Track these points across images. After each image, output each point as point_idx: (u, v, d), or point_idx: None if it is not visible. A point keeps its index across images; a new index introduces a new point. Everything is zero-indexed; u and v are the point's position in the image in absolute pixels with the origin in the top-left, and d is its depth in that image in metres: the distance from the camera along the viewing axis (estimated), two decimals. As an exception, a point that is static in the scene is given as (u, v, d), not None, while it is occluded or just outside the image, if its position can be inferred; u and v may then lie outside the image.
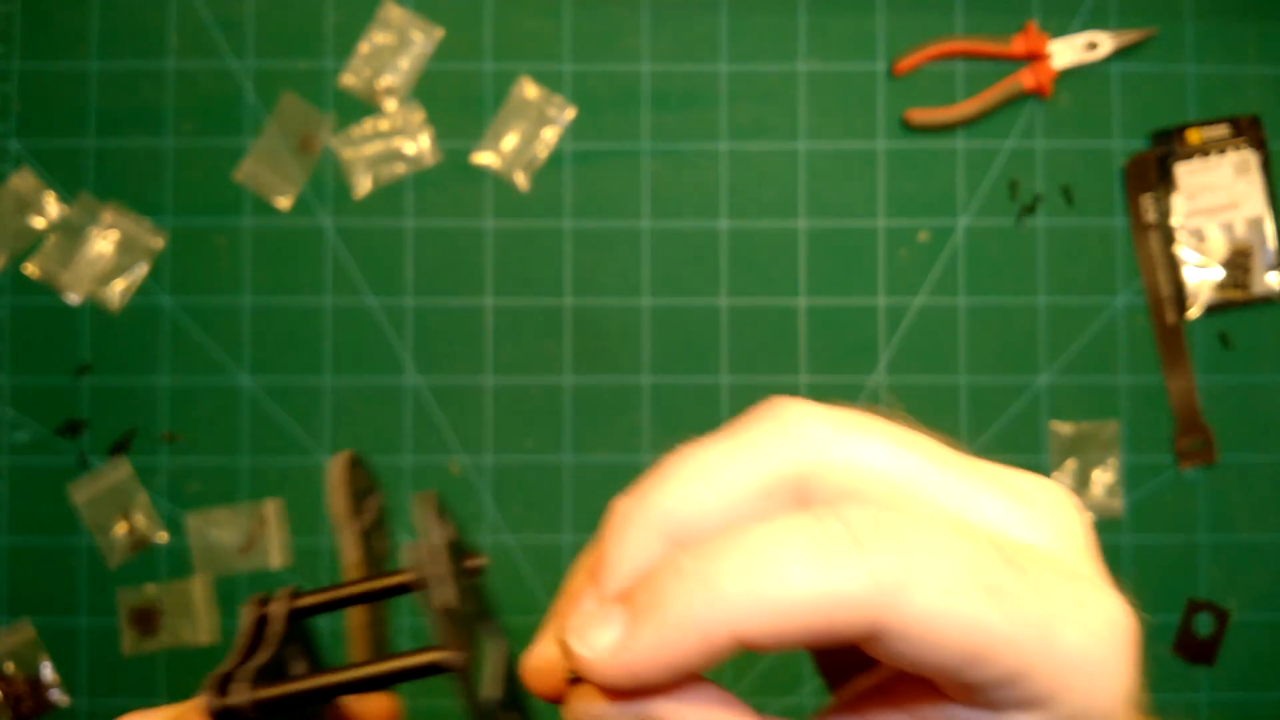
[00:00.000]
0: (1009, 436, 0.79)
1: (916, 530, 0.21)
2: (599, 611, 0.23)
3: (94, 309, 0.79)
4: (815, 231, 0.79)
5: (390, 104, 0.79)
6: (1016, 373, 0.79)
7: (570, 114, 0.80)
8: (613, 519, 0.24)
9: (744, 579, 0.21)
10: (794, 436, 0.23)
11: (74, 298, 0.79)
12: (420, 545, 0.28)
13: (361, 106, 0.80)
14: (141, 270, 0.79)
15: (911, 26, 0.80)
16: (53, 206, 0.79)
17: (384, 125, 0.79)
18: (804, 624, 0.21)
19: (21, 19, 0.79)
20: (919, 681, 0.23)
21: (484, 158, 0.79)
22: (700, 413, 0.78)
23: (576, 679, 0.24)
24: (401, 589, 0.30)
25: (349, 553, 0.32)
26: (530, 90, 0.79)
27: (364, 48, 0.80)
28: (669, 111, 0.80)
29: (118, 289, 0.79)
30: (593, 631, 0.22)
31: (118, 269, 0.79)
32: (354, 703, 0.32)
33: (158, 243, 0.79)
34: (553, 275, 0.79)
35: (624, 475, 0.78)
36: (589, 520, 0.78)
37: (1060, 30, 0.79)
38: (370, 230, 0.79)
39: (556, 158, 0.79)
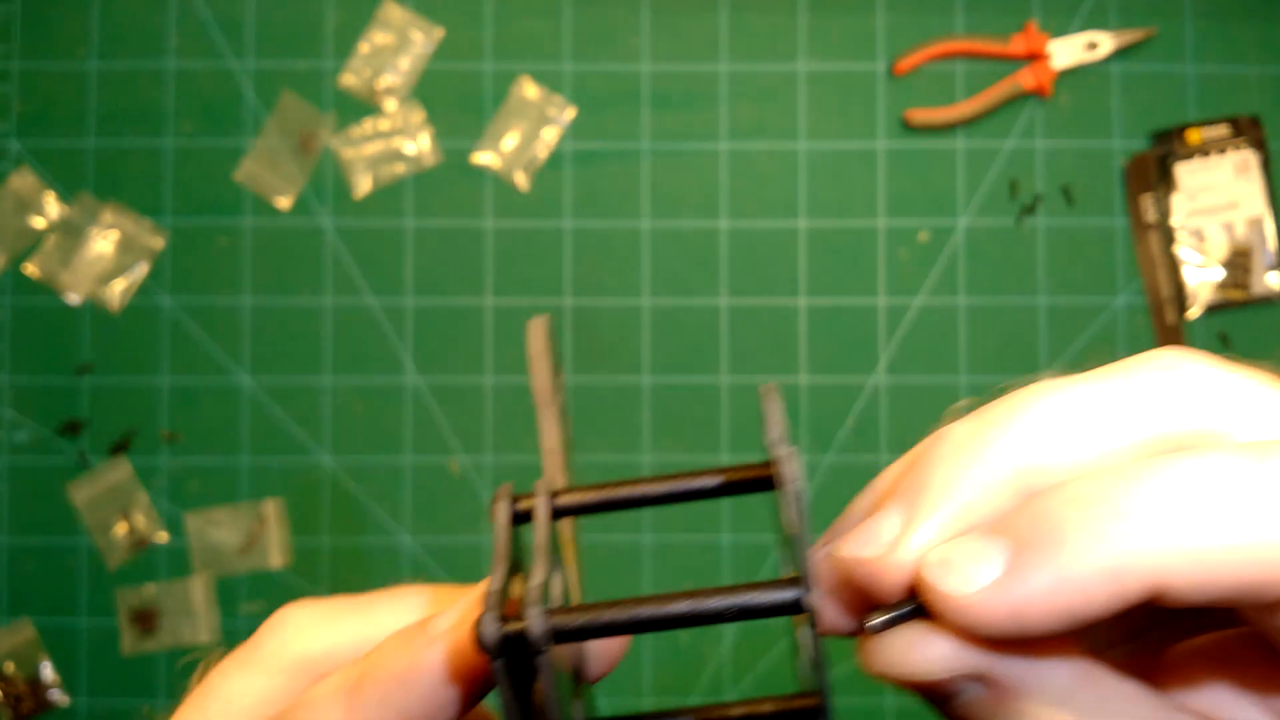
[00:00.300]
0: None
1: None
2: (975, 544, 0.20)
3: (94, 309, 0.79)
4: (815, 231, 0.79)
5: (390, 104, 0.79)
6: (1016, 373, 0.79)
7: (570, 114, 0.80)
8: (947, 444, 0.21)
9: (1174, 517, 0.18)
10: (1186, 387, 0.21)
11: (74, 298, 0.79)
12: (783, 438, 0.23)
13: (361, 106, 0.80)
14: (141, 270, 0.79)
15: (911, 26, 0.80)
16: (53, 206, 0.79)
17: (384, 125, 0.79)
18: (1239, 577, 0.18)
19: (21, 19, 0.79)
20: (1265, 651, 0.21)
21: (484, 158, 0.79)
22: (700, 413, 0.78)
23: (892, 617, 0.21)
24: (754, 485, 0.25)
25: (551, 436, 0.27)
26: (530, 90, 0.79)
27: (364, 48, 0.80)
28: (669, 111, 0.80)
29: (118, 289, 0.79)
30: (968, 565, 0.20)
31: (118, 269, 0.79)
32: None
33: (158, 243, 0.79)
34: (553, 275, 0.79)
35: (624, 474, 0.77)
36: (588, 520, 0.78)
37: (1060, 30, 0.79)
38: (370, 230, 0.79)
39: (556, 158, 0.79)
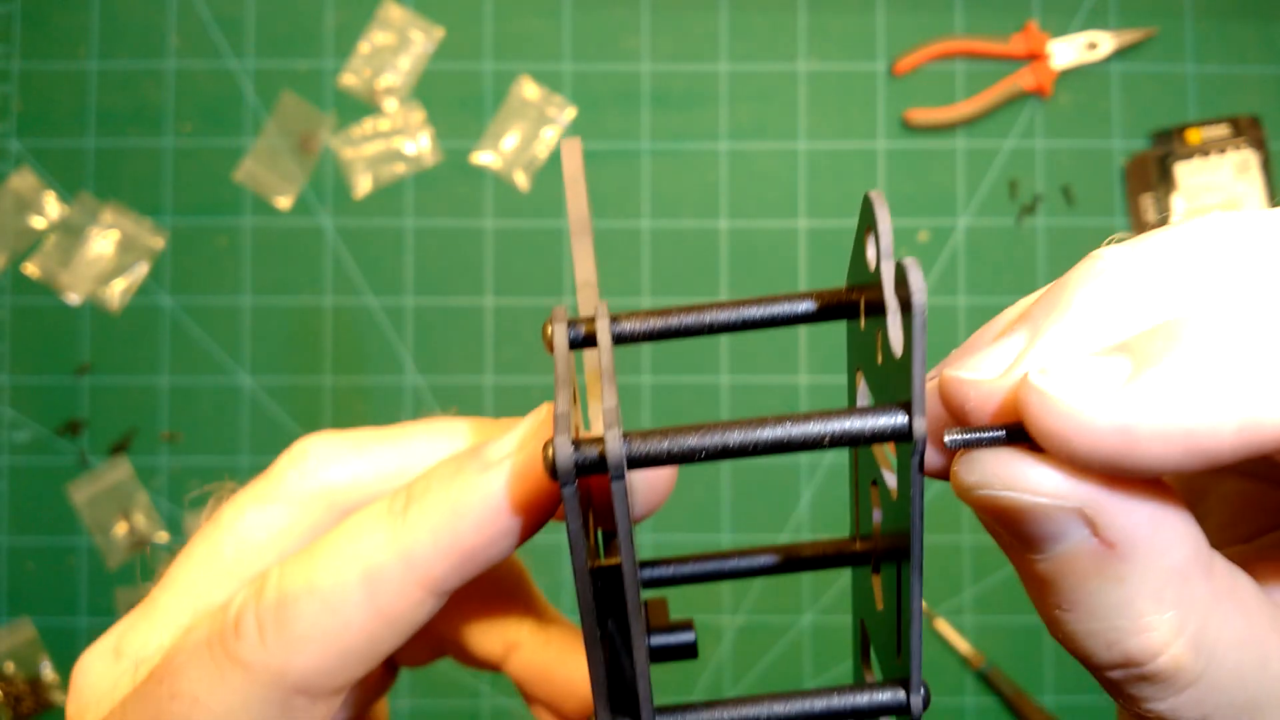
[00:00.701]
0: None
1: None
2: (1095, 358, 0.18)
3: (94, 309, 0.79)
4: (815, 231, 0.79)
5: (390, 104, 0.79)
6: (1016, 373, 0.79)
7: (570, 114, 0.80)
8: (1092, 265, 0.19)
9: None
10: None
11: (74, 298, 0.79)
12: (886, 250, 0.20)
13: (361, 106, 0.80)
14: (141, 270, 0.79)
15: (911, 26, 0.80)
16: (53, 206, 0.79)
17: (384, 125, 0.79)
18: None
19: (21, 19, 0.79)
20: None
21: (484, 158, 0.79)
22: (700, 413, 0.78)
23: (985, 435, 0.18)
24: (846, 310, 0.22)
25: (586, 266, 0.24)
26: (530, 90, 0.79)
27: (364, 48, 0.80)
28: (669, 111, 0.80)
29: (118, 289, 0.79)
30: (1081, 375, 0.17)
31: (118, 269, 0.79)
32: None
33: (158, 243, 0.79)
34: (553, 275, 0.79)
35: (624, 475, 0.77)
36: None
37: (1060, 30, 0.79)
38: (370, 230, 0.79)
39: (557, 158, 0.79)
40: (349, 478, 0.26)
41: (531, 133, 0.79)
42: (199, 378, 0.78)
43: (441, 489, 0.23)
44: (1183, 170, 0.79)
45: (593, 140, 0.80)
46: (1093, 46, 0.79)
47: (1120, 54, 0.79)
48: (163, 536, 0.78)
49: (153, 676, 0.24)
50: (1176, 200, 0.79)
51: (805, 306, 0.23)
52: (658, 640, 0.26)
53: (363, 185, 0.79)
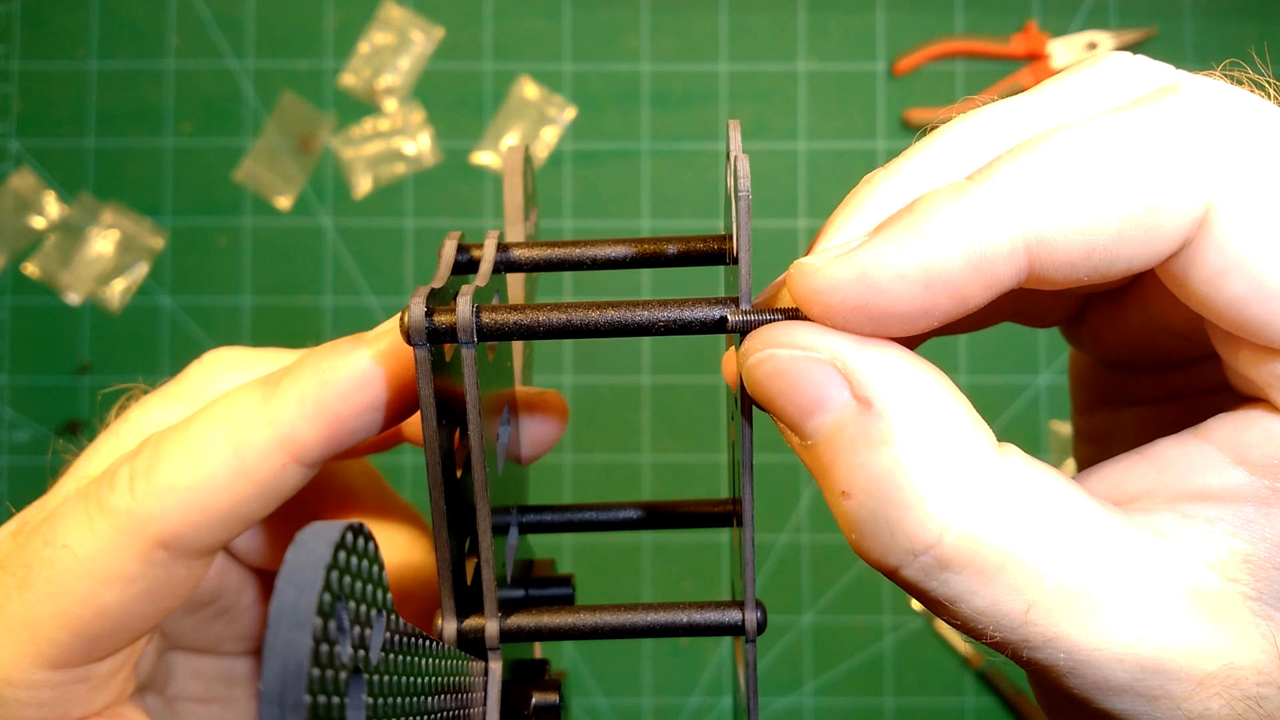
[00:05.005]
0: (1009, 436, 0.78)
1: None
2: (841, 239, 0.20)
3: (94, 309, 0.79)
4: (815, 231, 0.79)
5: (390, 104, 0.79)
6: (1016, 373, 0.79)
7: (570, 114, 0.80)
8: (860, 184, 0.22)
9: (1042, 185, 0.18)
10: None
11: (74, 298, 0.79)
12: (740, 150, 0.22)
13: (361, 106, 0.80)
14: (141, 270, 0.79)
15: (911, 26, 0.80)
16: (53, 206, 0.79)
17: (384, 125, 0.79)
18: (1118, 233, 0.18)
19: (21, 19, 0.79)
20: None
21: (484, 158, 0.79)
22: (700, 413, 0.78)
23: (762, 316, 0.21)
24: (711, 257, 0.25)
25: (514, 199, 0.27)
26: (530, 90, 0.79)
27: (364, 48, 0.80)
28: (669, 111, 0.80)
29: (118, 289, 0.79)
30: (831, 249, 0.20)
31: (118, 269, 0.79)
32: (529, 394, 0.30)
33: (158, 243, 0.79)
34: (553, 275, 0.79)
35: (624, 474, 0.77)
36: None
37: (1060, 30, 0.79)
38: (370, 230, 0.79)
39: (556, 158, 0.79)
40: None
41: (531, 133, 0.79)
42: (199, 378, 0.78)
43: (314, 362, 0.25)
44: (1183, 170, 0.79)
45: (593, 140, 0.80)
46: (1092, 46, 0.79)
47: (1120, 54, 0.79)
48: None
49: (33, 530, 0.25)
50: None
51: (672, 249, 0.26)
52: (536, 591, 0.29)
53: (363, 185, 0.79)
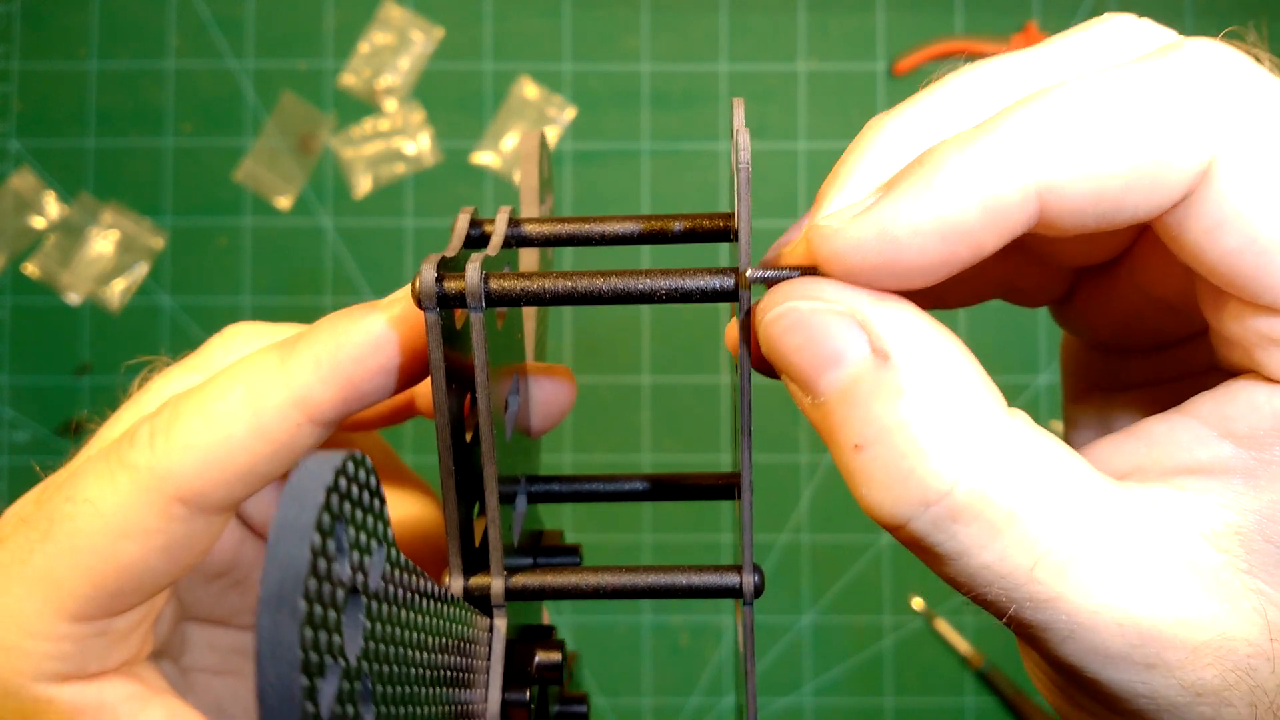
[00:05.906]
0: (1009, 436, 0.79)
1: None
2: (857, 196, 0.20)
3: (94, 309, 0.79)
4: (815, 231, 0.79)
5: (390, 104, 0.79)
6: (1016, 373, 0.79)
7: (570, 114, 0.80)
8: (864, 131, 0.22)
9: (1049, 134, 0.18)
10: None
11: (74, 298, 0.79)
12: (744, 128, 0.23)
13: (361, 106, 0.80)
14: (141, 270, 0.79)
15: (911, 26, 0.80)
16: (53, 206, 0.79)
17: (384, 125, 0.79)
18: (1126, 183, 0.18)
19: (21, 19, 0.79)
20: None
21: (484, 158, 0.79)
22: (700, 413, 0.78)
23: (778, 273, 0.21)
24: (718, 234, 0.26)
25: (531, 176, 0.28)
26: (530, 90, 0.80)
27: (364, 48, 0.80)
28: (669, 111, 0.80)
29: (118, 289, 0.79)
30: (845, 208, 0.20)
31: (118, 269, 0.79)
32: (539, 368, 0.31)
33: (158, 243, 0.79)
34: (560, 259, 0.79)
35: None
36: (590, 520, 0.78)
37: (1060, 30, 0.79)
38: (370, 230, 0.79)
39: (556, 158, 0.79)
40: None
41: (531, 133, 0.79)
42: (199, 378, 0.78)
43: (329, 326, 0.25)
44: (1183, 170, 0.79)
45: (593, 140, 0.80)
46: (1093, 46, 0.79)
47: (1120, 54, 0.79)
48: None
49: (56, 487, 0.26)
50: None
51: (678, 226, 0.26)
52: (544, 560, 0.30)
53: (363, 185, 0.79)
